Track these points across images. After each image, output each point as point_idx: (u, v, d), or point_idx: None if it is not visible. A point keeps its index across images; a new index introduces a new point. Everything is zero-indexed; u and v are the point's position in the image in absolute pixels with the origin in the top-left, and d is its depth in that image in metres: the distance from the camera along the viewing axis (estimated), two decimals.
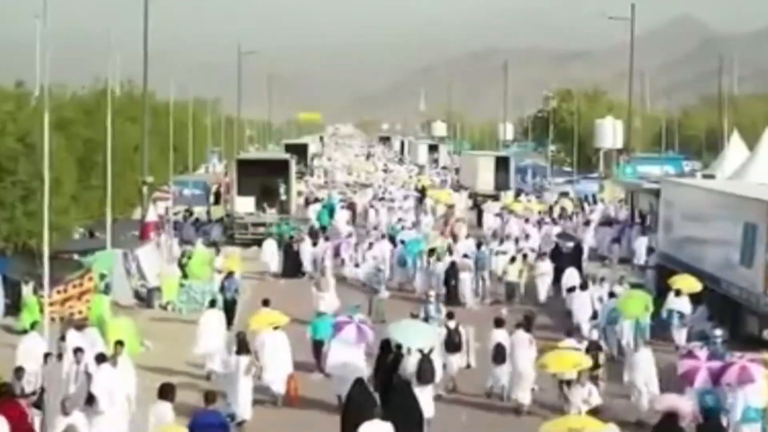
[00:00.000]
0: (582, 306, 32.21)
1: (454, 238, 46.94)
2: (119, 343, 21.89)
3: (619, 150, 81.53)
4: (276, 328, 25.32)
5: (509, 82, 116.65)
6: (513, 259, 39.16)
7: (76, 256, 37.89)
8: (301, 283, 41.98)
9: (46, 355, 21.39)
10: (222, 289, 34.32)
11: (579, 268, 40.06)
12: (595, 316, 30.66)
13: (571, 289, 34.53)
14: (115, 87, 65.07)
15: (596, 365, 23.76)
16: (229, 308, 32.76)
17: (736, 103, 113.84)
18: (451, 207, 65.87)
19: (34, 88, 42.34)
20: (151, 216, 44.17)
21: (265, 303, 28.40)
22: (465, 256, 41.76)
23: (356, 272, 42.38)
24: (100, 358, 20.52)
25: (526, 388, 24.33)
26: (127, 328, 27.51)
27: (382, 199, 72.71)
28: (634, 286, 34.94)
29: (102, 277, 34.26)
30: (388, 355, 23.20)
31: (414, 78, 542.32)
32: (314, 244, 46.19)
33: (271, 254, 46.12)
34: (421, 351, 22.63)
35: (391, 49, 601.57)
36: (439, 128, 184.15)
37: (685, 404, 19.43)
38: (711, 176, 46.41)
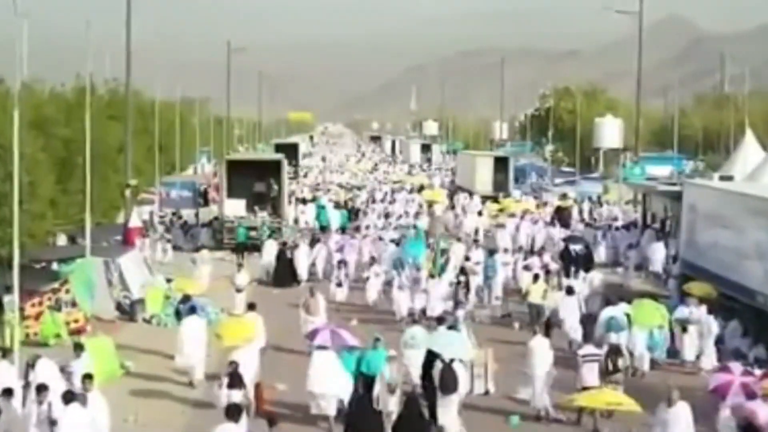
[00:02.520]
0: (569, 312, 30.67)
1: (498, 251, 41.31)
2: (88, 378, 19.13)
3: (623, 149, 79.10)
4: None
5: (500, 82, 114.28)
6: (536, 277, 34.18)
7: (55, 265, 35.03)
8: (295, 292, 39.23)
9: (5, 392, 18.32)
10: (177, 313, 29.63)
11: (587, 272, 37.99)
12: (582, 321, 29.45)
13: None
14: (100, 85, 62.71)
15: (616, 369, 23.38)
16: None
17: (736, 102, 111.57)
18: (431, 205, 63.75)
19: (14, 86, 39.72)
20: (135, 221, 41.12)
21: (251, 307, 27.91)
22: (467, 258, 39.28)
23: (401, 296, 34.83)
24: (68, 397, 17.66)
25: (546, 393, 23.49)
26: (105, 348, 24.93)
27: (382, 200, 70.19)
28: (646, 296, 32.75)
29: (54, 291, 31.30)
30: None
31: (404, 77, 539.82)
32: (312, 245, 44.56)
33: (270, 257, 43.45)
34: (443, 360, 21.88)
35: (381, 48, 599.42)
36: (431, 127, 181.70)
37: (765, 411, 18.50)
38: (729, 178, 43.56)
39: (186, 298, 29.57)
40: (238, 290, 35.27)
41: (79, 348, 22.06)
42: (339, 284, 37.48)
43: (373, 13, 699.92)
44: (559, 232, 50.67)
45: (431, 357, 22.56)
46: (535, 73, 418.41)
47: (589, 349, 23.44)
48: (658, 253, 42.36)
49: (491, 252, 39.46)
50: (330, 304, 33.88)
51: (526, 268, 37.39)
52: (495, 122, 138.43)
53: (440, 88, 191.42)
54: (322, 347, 23.08)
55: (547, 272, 35.48)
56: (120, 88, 65.03)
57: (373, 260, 40.10)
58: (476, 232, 55.19)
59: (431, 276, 34.48)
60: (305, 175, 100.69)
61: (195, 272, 39.68)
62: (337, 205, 64.20)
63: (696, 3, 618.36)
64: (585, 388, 22.44)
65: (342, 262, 39.14)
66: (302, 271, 42.44)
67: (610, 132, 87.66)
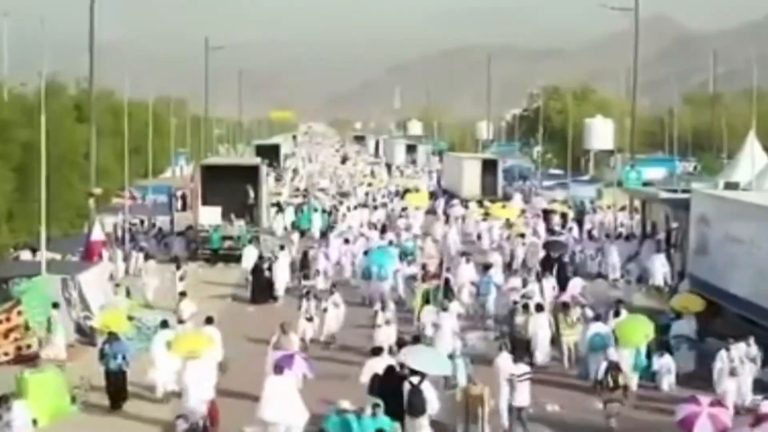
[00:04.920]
0: (539, 329, 28.56)
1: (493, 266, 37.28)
2: None
3: (619, 151, 76.60)
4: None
5: (483, 81, 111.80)
6: (525, 307, 29.80)
7: (18, 283, 31.90)
8: (273, 310, 36.48)
9: None
10: (102, 356, 24.96)
11: (562, 281, 35.78)
12: (554, 341, 28.41)
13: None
14: (71, 85, 59.92)
15: (616, 386, 22.96)
16: (115, 383, 24.61)
17: (726, 102, 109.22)
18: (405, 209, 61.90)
19: None
20: (97, 234, 37.75)
21: (209, 321, 27.07)
22: (448, 269, 36.28)
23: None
24: None
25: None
26: (51, 384, 22.16)
27: (365, 205, 67.18)
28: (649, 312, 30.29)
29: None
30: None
31: (386, 76, 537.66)
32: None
33: (250, 265, 40.64)
34: (410, 382, 20.90)
35: (362, 46, 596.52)
36: (415, 127, 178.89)
37: None
38: (735, 185, 40.89)
39: (112, 337, 25.38)
40: (180, 321, 30.38)
41: (4, 401, 19.10)
42: (309, 318, 31.14)
43: (353, 10, 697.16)
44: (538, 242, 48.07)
45: (392, 375, 21.42)
46: (518, 72, 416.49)
47: (522, 368, 22.87)
48: (656, 264, 39.54)
49: (485, 267, 36.14)
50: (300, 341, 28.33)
51: (524, 296, 32.20)
52: (479, 122, 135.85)
53: (423, 87, 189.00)
54: (277, 371, 21.59)
55: (564, 305, 30.31)
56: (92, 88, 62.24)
57: (333, 287, 35.03)
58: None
59: (444, 309, 29.20)
60: (293, 177, 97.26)
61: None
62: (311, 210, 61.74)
63: (681, 2, 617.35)
64: (512, 408, 22.28)
65: (308, 293, 32.97)
66: (280, 287, 39.36)
67: (600, 133, 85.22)
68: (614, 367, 23.30)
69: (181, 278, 37.77)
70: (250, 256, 41.97)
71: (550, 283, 34.52)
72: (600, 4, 58.85)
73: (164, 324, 27.07)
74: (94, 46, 43.67)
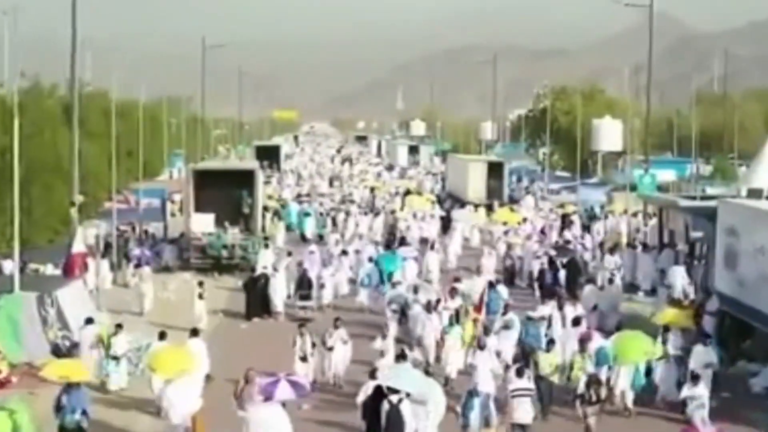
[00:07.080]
0: (568, 346, 26.64)
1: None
2: None
3: (629, 152, 74.24)
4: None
5: (486, 81, 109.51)
6: (551, 343, 26.18)
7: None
8: (268, 327, 34.19)
9: None
10: (58, 408, 21.13)
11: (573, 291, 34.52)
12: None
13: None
14: (63, 86, 57.81)
15: (599, 399, 22.54)
16: None
17: (735, 102, 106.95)
18: (394, 212, 60.28)
19: None
20: (79, 246, 35.13)
21: (194, 333, 26.49)
22: (456, 279, 34.68)
23: None
24: None
25: None
26: (12, 422, 19.75)
27: (368, 212, 64.59)
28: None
29: None
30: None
31: (388, 76, 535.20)
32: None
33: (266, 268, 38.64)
34: (390, 401, 20.12)
35: (364, 46, 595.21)
36: (418, 127, 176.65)
37: None
38: (758, 192, 38.38)
39: (71, 386, 21.37)
40: (114, 358, 27.17)
41: None
42: (303, 358, 26.71)
43: (354, 10, 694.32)
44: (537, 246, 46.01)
45: (378, 394, 20.61)
46: (520, 72, 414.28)
47: (520, 383, 22.09)
48: (678, 277, 36.97)
49: (492, 283, 33.09)
50: None
51: (530, 319, 28.92)
52: (483, 122, 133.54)
53: (425, 87, 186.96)
54: (266, 400, 20.26)
55: (581, 342, 25.99)
56: (86, 89, 60.33)
57: (338, 320, 28.60)
58: None
59: (480, 347, 24.97)
60: (298, 181, 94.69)
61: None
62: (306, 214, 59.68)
63: (684, 1, 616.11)
64: (514, 426, 21.57)
65: (302, 325, 28.16)
66: (278, 302, 36.64)
67: (609, 134, 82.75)
68: (595, 381, 22.77)
69: (201, 296, 34.90)
70: (265, 260, 40.58)
71: (575, 310, 30.56)
72: (614, 0, 56.51)
73: (162, 336, 26.32)
74: (76, 45, 41.21)
